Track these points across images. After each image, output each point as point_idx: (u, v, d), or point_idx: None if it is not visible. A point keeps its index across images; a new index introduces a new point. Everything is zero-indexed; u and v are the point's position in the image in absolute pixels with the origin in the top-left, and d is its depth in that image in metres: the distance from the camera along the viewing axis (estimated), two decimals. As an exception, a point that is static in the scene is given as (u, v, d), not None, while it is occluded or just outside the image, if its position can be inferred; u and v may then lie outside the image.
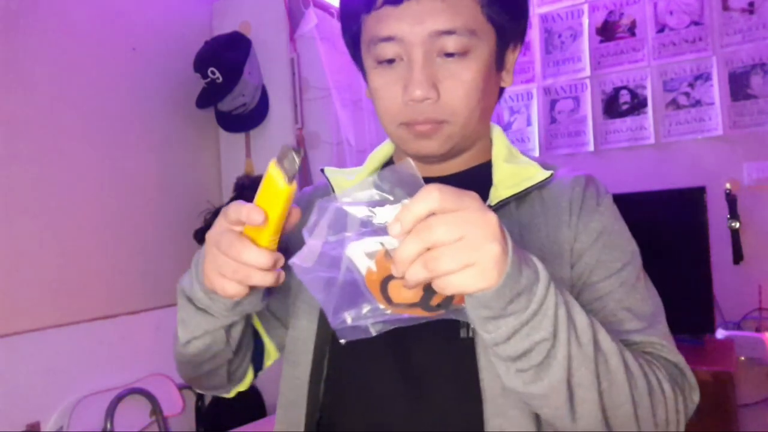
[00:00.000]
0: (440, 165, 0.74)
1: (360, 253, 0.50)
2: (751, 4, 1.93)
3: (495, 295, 0.47)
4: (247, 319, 0.71)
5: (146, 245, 1.92)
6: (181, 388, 1.93)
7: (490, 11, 0.66)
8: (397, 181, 0.50)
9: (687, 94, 2.03)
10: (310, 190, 0.86)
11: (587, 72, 2.18)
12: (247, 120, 2.11)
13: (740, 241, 1.89)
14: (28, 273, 1.62)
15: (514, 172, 0.71)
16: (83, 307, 1.70)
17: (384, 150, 0.82)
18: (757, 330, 1.85)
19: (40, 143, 1.68)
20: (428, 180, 0.74)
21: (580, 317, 0.53)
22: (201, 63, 1.99)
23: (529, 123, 2.29)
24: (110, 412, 1.66)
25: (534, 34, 2.26)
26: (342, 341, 0.52)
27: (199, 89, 2.05)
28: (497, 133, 0.77)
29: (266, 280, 0.55)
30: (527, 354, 0.51)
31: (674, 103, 2.05)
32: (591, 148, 2.18)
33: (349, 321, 0.52)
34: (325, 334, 0.71)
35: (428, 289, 0.50)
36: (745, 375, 1.81)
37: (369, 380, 0.69)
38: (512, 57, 0.74)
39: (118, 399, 1.69)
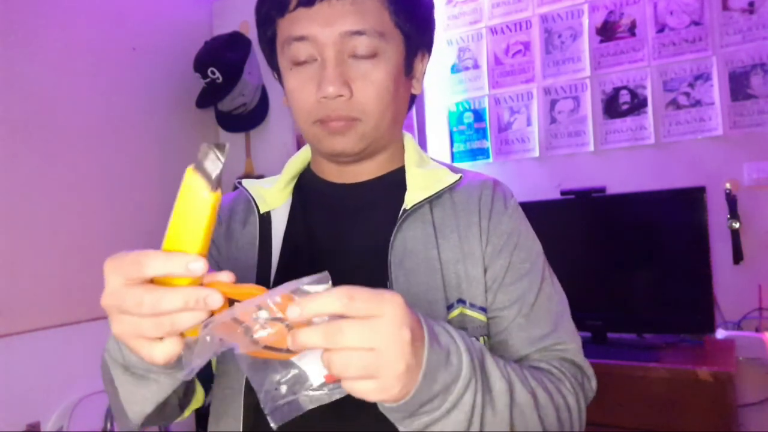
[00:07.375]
0: (354, 169, 0.77)
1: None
2: (751, 4, 1.93)
3: (399, 407, 0.48)
4: None
5: (147, 245, 1.92)
6: (181, 388, 1.92)
7: (397, 18, 0.70)
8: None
9: (687, 94, 2.03)
10: (229, 199, 0.83)
11: (587, 72, 2.18)
12: (247, 120, 2.11)
13: (740, 241, 1.88)
14: (28, 273, 1.62)
15: (425, 175, 0.76)
16: (84, 307, 1.70)
17: (301, 157, 0.83)
18: (757, 330, 1.85)
19: (40, 143, 1.68)
20: (345, 186, 0.77)
21: (499, 384, 0.56)
22: (201, 63, 1.99)
23: (529, 123, 2.29)
24: (110, 412, 1.66)
25: (534, 34, 2.25)
26: (273, 426, 0.46)
27: (199, 89, 2.05)
28: (409, 140, 0.81)
29: (197, 316, 0.45)
30: None
31: (674, 103, 2.05)
32: (591, 148, 2.18)
33: (282, 390, 0.46)
34: None
35: None
36: (745, 375, 1.80)
37: None
38: (421, 66, 0.78)
39: (118, 399, 1.69)
